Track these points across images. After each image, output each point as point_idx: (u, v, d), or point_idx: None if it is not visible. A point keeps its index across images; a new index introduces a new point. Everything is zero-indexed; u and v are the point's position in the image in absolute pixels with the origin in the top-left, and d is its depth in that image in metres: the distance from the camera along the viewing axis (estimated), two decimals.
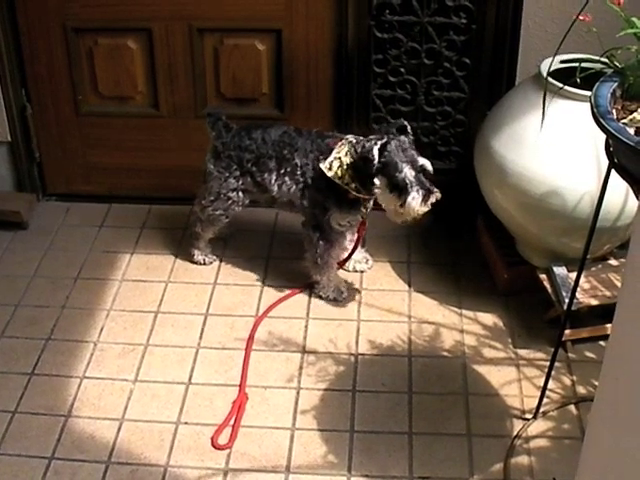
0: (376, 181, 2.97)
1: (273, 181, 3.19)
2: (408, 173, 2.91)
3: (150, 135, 3.69)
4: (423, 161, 2.95)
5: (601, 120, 1.96)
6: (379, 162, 2.93)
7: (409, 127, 3.03)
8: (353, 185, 3.03)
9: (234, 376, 2.95)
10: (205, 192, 3.30)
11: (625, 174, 2.00)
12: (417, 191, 2.91)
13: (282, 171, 3.17)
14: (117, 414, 2.81)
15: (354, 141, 3.05)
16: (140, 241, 3.58)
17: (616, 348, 1.43)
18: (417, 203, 2.91)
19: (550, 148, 2.86)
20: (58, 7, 3.46)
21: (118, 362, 3.01)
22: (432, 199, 2.92)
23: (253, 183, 3.24)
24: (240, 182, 3.24)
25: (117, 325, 3.17)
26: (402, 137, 2.99)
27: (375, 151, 2.93)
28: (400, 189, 2.93)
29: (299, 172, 3.14)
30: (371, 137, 3.01)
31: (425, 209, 2.94)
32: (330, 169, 3.04)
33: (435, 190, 2.92)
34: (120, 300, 3.28)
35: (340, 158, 3.03)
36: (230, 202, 3.28)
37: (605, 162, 2.21)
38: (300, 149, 3.14)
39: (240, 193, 3.27)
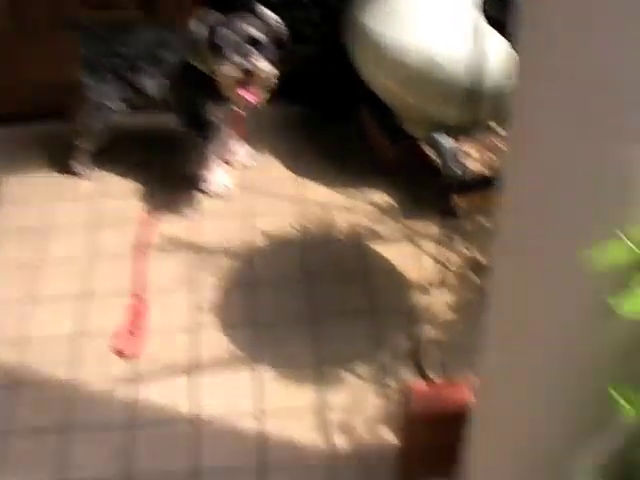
0: (213, 57, 2.90)
1: (150, 83, 3.11)
2: (224, 36, 2.85)
3: (11, 51, 3.51)
4: (249, 29, 2.86)
5: None
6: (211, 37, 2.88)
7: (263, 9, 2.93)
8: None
9: (131, 283, 2.90)
10: (82, 104, 3.19)
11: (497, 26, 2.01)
12: (228, 53, 2.84)
13: (157, 71, 3.09)
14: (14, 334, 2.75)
15: None
16: (18, 162, 3.45)
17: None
18: (223, 66, 2.85)
19: (425, 17, 2.83)
20: None
21: (10, 277, 2.94)
22: (237, 60, 2.82)
23: (130, 89, 3.16)
24: (117, 89, 3.16)
25: (9, 243, 3.08)
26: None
27: (195, 23, 2.89)
28: (220, 55, 2.86)
29: (172, 69, 3.06)
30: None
31: (229, 72, 2.84)
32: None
33: (253, 56, 2.82)
34: (8, 219, 3.17)
35: None
36: (109, 111, 3.19)
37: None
38: (172, 46, 3.06)
39: (118, 101, 3.18)
